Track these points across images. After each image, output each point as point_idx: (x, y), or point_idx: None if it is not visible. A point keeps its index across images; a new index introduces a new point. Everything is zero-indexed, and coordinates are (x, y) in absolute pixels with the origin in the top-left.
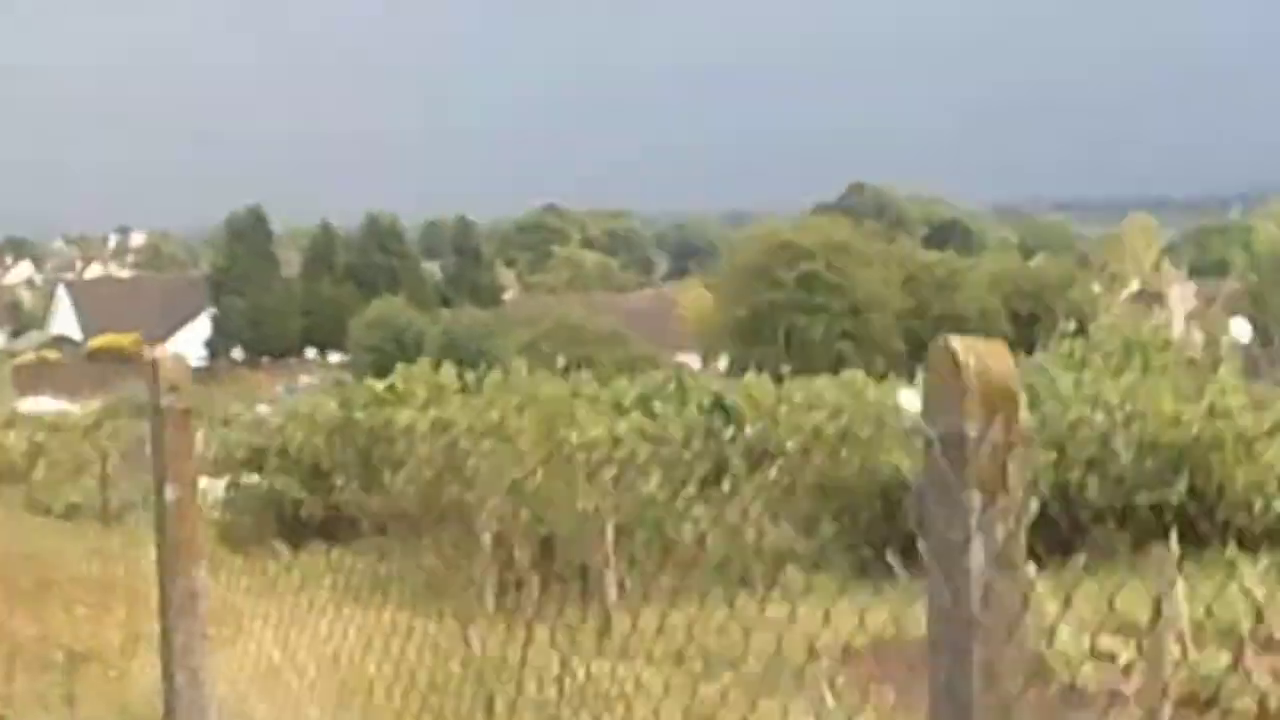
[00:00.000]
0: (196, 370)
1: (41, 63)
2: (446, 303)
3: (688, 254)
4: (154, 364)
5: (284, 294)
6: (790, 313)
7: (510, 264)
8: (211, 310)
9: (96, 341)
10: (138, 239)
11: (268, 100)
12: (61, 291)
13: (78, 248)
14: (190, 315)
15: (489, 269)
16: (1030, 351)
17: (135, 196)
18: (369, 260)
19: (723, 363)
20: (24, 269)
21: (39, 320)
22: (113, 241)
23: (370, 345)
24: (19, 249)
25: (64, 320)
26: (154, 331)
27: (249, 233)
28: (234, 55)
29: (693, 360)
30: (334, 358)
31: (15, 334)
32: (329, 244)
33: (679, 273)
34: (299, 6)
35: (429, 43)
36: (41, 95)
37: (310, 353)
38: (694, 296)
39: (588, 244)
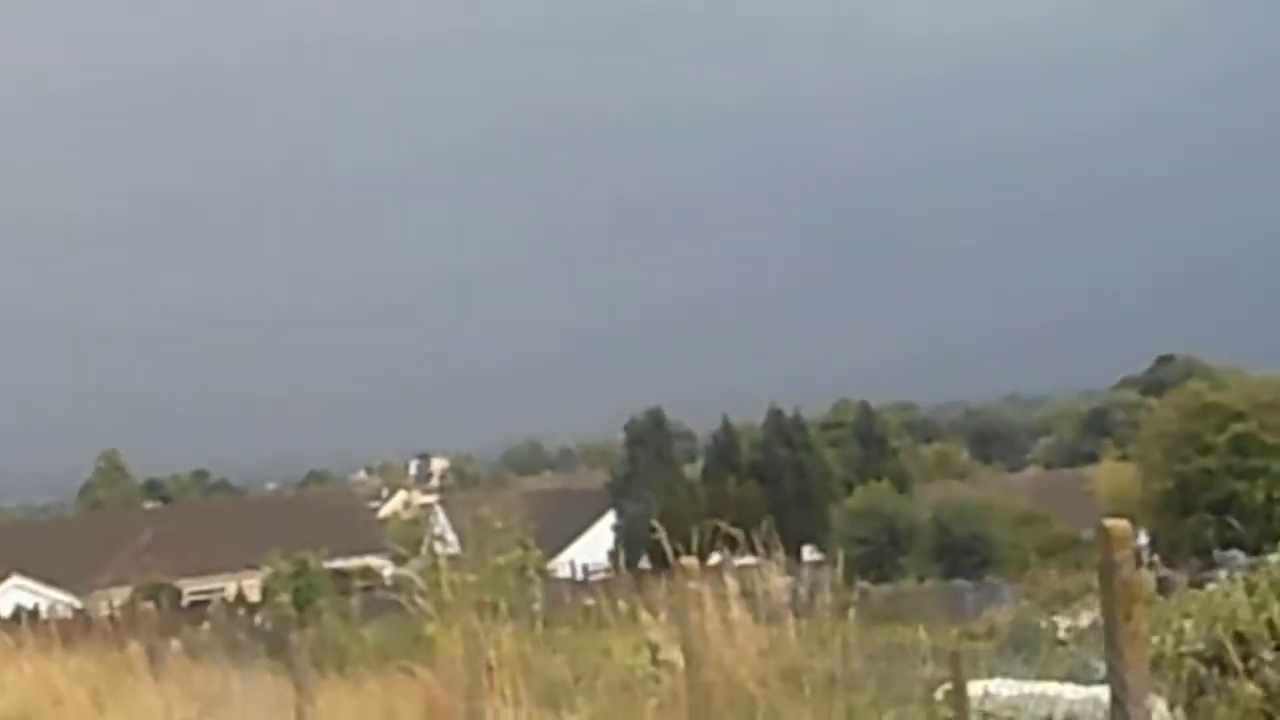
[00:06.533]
0: (603, 580)
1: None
2: (852, 493)
3: (987, 439)
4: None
5: (688, 497)
6: (1224, 479)
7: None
8: (610, 519)
9: (500, 559)
10: (438, 464)
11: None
12: (438, 512)
13: (381, 477)
14: (584, 526)
15: (893, 456)
16: None
17: (429, 423)
18: (772, 456)
19: (1141, 538)
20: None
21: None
22: (414, 468)
23: (859, 537)
24: (322, 482)
25: (440, 541)
26: (547, 544)
27: (648, 436)
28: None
29: None
30: (747, 559)
31: (397, 562)
32: (731, 443)
33: (982, 459)
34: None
35: None
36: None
37: (715, 557)
38: (1108, 470)
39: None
